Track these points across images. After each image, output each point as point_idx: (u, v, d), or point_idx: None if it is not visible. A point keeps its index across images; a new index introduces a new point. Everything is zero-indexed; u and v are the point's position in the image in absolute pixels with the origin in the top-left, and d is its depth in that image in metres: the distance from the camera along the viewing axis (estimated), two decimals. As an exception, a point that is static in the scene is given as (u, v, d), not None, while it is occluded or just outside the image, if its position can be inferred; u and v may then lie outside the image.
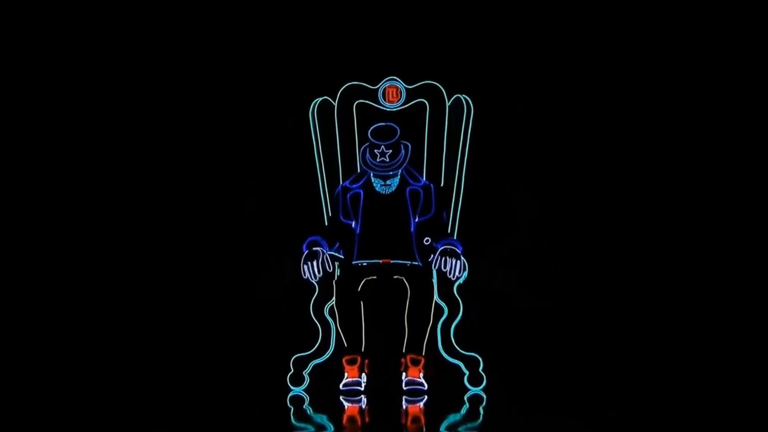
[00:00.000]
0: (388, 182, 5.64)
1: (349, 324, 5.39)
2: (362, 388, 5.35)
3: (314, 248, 5.37)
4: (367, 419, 4.91)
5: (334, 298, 5.42)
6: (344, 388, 5.33)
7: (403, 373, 5.38)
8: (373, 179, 5.67)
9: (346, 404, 5.13)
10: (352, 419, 4.87)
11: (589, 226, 6.74)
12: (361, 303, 5.40)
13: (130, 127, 6.79)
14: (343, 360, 5.39)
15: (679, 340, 6.47)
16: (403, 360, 5.39)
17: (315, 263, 5.34)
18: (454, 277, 5.33)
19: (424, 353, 5.36)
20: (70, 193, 6.72)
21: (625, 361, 6.15)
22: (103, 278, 6.69)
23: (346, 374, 5.37)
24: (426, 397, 5.24)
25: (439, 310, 5.47)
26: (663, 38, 6.72)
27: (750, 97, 6.60)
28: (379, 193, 5.65)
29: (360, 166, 5.74)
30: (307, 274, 5.36)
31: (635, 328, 6.57)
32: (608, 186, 6.76)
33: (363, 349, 5.38)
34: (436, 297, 5.46)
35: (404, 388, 5.32)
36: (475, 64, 6.71)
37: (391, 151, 5.57)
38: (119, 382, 5.63)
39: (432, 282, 5.45)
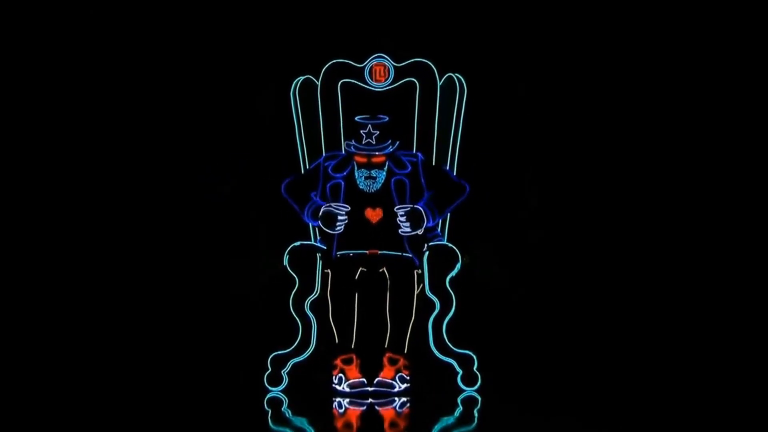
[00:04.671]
0: (373, 174, 5.36)
1: (342, 318, 5.12)
2: (369, 388, 5.10)
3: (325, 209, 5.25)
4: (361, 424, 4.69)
5: (329, 287, 5.17)
6: (351, 390, 5.07)
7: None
8: (356, 174, 5.39)
9: (345, 406, 4.90)
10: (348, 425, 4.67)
11: (591, 215, 6.64)
12: (356, 296, 5.15)
13: (102, 113, 6.62)
14: (338, 360, 5.13)
15: (681, 338, 6.35)
16: (384, 359, 5.16)
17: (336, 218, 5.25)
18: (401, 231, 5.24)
19: (405, 352, 5.13)
20: (41, 190, 6.56)
21: (627, 359, 6.02)
22: (74, 273, 6.53)
23: (340, 376, 5.11)
24: (398, 399, 5.04)
25: (430, 305, 5.28)
26: (666, 17, 6.61)
27: (750, 95, 6.54)
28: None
29: (344, 149, 5.58)
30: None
31: (636, 326, 6.43)
32: (609, 173, 6.64)
33: (353, 347, 5.13)
34: (427, 291, 5.25)
35: (370, 389, 5.10)
36: (468, 41, 6.54)
37: (378, 132, 5.33)
38: (90, 381, 5.52)
39: (413, 274, 5.20)
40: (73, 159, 6.55)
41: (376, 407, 4.91)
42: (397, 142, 5.44)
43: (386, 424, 4.66)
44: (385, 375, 5.10)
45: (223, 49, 6.59)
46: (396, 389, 5.07)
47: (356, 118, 5.39)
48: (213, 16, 6.59)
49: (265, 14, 6.62)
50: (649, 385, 5.32)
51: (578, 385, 5.43)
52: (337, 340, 5.14)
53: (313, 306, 5.26)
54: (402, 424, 4.68)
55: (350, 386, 5.09)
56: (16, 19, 6.51)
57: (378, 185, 5.37)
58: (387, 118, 5.42)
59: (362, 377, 5.11)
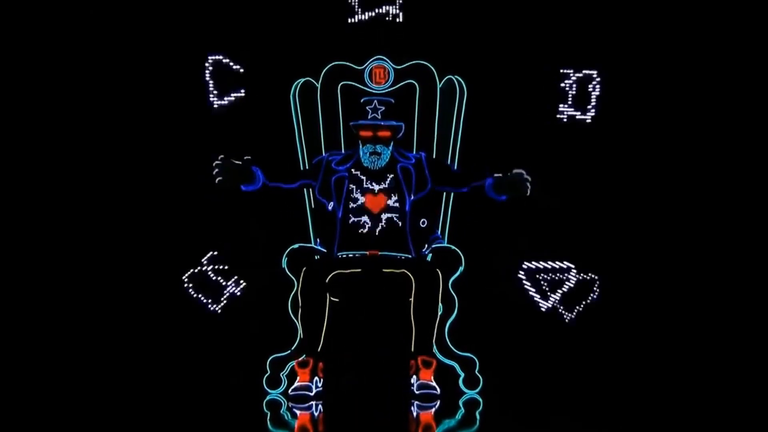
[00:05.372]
0: (378, 149, 5.33)
1: (311, 320, 5.08)
2: (312, 394, 5.12)
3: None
4: (320, 428, 4.71)
5: (300, 286, 5.12)
6: (292, 393, 5.12)
7: (414, 377, 5.15)
8: (361, 151, 5.35)
9: (297, 412, 4.92)
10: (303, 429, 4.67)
11: (591, 217, 6.50)
12: (327, 298, 5.10)
13: (102, 113, 6.50)
14: (295, 363, 5.17)
15: (682, 341, 6.28)
16: (412, 362, 5.13)
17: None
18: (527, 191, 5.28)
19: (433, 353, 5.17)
20: (41, 191, 6.46)
21: (629, 362, 6.01)
22: (72, 273, 6.41)
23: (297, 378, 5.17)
24: (438, 402, 5.07)
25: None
26: (665, 18, 6.52)
27: (749, 95, 6.49)
28: (366, 173, 5.30)
29: (344, 147, 5.59)
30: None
31: (637, 329, 6.33)
32: (609, 175, 6.53)
33: (319, 350, 5.10)
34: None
35: (416, 393, 5.10)
36: (468, 43, 6.41)
37: (384, 108, 5.37)
38: (89, 382, 5.54)
39: (438, 273, 5.14)
40: (73, 159, 6.48)
41: (418, 410, 4.89)
42: (401, 124, 5.44)
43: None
44: (425, 377, 5.10)
45: (223, 51, 6.55)
46: (439, 392, 5.08)
47: (362, 100, 5.43)
48: (213, 18, 6.51)
49: (265, 16, 6.56)
50: (650, 388, 5.33)
51: (580, 388, 5.43)
52: (302, 341, 5.13)
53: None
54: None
55: (293, 389, 5.11)
56: (16, 19, 6.50)
57: (382, 162, 5.38)
58: (392, 100, 5.46)
59: (311, 382, 5.12)
